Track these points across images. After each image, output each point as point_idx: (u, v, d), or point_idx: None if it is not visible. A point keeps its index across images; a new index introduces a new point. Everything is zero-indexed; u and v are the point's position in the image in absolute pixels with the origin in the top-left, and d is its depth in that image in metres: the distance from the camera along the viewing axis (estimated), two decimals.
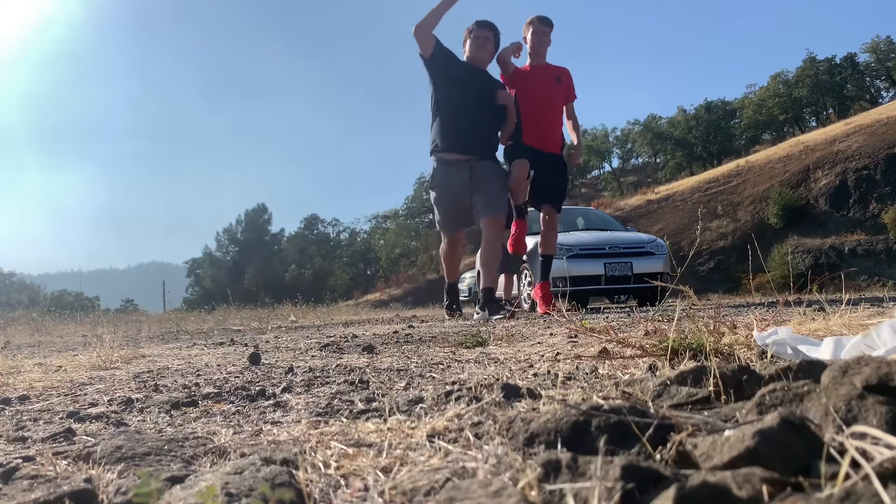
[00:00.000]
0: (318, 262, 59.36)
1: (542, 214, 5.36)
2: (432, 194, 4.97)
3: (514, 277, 8.11)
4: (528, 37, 5.36)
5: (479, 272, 10.92)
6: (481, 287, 4.90)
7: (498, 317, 4.47)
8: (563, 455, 0.55)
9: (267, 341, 3.18)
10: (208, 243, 65.73)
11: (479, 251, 4.96)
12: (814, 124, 50.02)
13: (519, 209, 5.28)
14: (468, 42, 5.01)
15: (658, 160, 60.80)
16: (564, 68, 5.45)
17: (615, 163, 66.53)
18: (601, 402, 0.74)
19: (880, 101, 48.05)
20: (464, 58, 5.02)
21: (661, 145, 58.91)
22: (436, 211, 4.97)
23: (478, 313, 4.69)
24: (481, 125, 4.86)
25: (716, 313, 1.55)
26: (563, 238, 8.21)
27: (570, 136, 5.53)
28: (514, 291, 8.04)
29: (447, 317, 5.06)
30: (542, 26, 5.36)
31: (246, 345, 2.95)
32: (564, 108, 5.43)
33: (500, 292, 8.12)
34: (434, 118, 4.86)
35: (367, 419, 0.98)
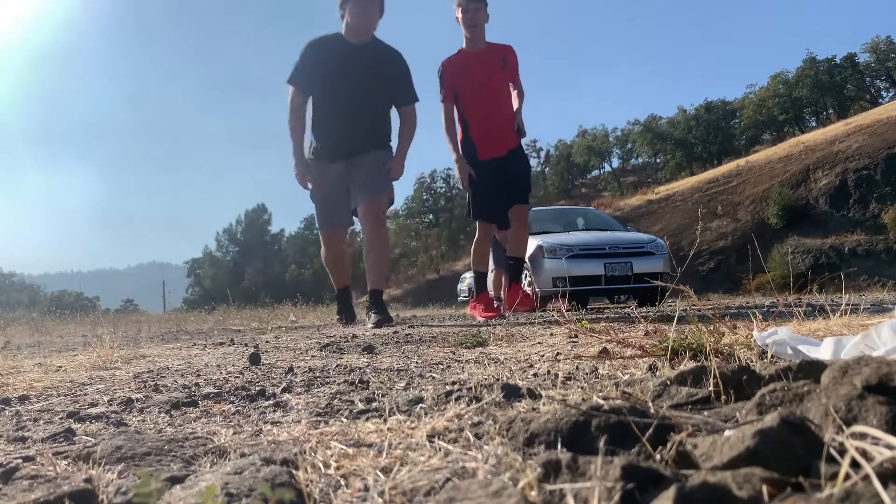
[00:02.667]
0: (319, 263, 59.26)
1: (511, 215, 4.81)
2: (309, 187, 4.28)
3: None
4: (459, 17, 4.60)
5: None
6: (368, 288, 4.27)
7: (385, 326, 3.83)
8: (563, 455, 0.55)
9: (267, 341, 3.18)
10: (208, 243, 65.79)
11: (364, 249, 4.29)
12: (814, 124, 50.05)
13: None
14: (348, 7, 4.10)
15: (658, 160, 60.81)
16: (508, 46, 4.74)
17: (615, 163, 66.58)
18: (601, 402, 0.74)
19: (880, 101, 48.06)
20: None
21: (661, 145, 58.94)
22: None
23: (368, 320, 4.07)
24: (361, 118, 4.12)
25: (715, 314, 1.55)
26: (564, 238, 8.22)
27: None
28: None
29: (341, 325, 4.51)
30: (473, 1, 4.53)
31: (246, 345, 2.95)
32: (513, 88, 4.75)
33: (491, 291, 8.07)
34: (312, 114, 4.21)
35: (367, 419, 0.98)
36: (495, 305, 4.97)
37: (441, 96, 4.67)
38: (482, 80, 4.57)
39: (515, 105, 4.72)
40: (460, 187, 5.08)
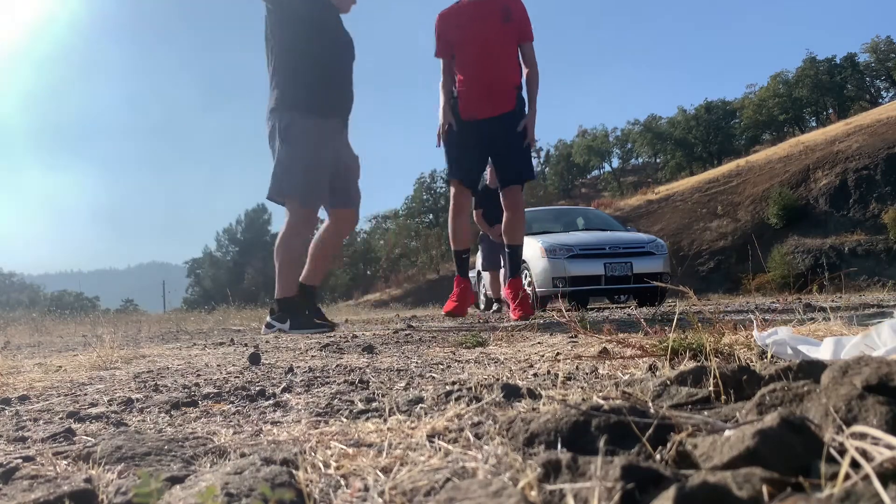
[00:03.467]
0: None
1: (502, 197, 4.28)
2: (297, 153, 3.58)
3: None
4: None
5: (477, 272, 10.82)
6: (277, 296, 3.71)
7: (308, 331, 3.52)
8: (563, 455, 0.55)
9: (267, 341, 3.18)
10: (208, 243, 65.80)
11: (313, 245, 3.84)
12: (814, 124, 50.06)
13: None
14: None
15: (658, 160, 60.83)
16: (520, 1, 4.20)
17: (615, 163, 66.58)
18: (601, 402, 0.74)
19: (880, 101, 48.08)
20: None
21: (661, 145, 58.96)
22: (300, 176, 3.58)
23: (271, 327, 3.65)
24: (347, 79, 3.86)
25: (715, 314, 1.55)
26: (563, 238, 8.21)
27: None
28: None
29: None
30: None
31: (246, 345, 2.95)
32: (519, 51, 4.20)
33: (488, 291, 7.97)
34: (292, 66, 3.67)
35: (367, 419, 0.98)
36: (457, 303, 4.37)
37: (435, 50, 4.28)
38: (475, 30, 4.10)
39: (527, 91, 4.21)
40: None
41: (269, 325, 3.67)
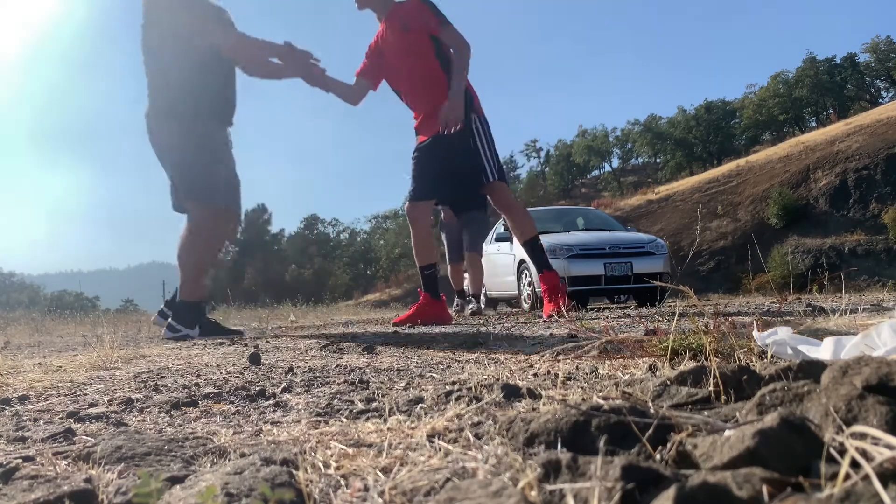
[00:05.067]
0: (318, 262, 59.44)
1: (490, 200, 4.15)
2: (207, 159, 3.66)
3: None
4: None
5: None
6: (177, 297, 3.64)
7: (217, 336, 3.44)
8: (563, 455, 0.55)
9: (267, 341, 3.18)
10: None
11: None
12: (814, 124, 50.09)
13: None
14: None
15: (658, 160, 60.86)
16: (407, 2, 3.91)
17: (615, 163, 66.63)
18: (601, 402, 0.74)
19: (880, 101, 48.10)
20: None
21: (661, 145, 58.99)
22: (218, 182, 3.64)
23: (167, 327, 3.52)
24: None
25: (715, 314, 1.55)
26: (563, 238, 8.22)
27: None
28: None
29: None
30: None
31: (246, 345, 2.95)
32: (433, 47, 3.85)
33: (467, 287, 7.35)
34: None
35: (367, 419, 0.98)
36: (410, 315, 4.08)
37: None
38: (388, 51, 3.93)
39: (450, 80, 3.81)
40: None
41: (172, 329, 3.54)
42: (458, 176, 3.98)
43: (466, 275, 7.00)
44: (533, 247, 4.11)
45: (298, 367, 1.83)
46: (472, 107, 3.93)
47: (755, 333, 1.33)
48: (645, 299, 7.93)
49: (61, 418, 1.15)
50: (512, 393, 1.03)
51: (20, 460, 0.79)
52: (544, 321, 3.59)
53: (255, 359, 2.02)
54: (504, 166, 4.24)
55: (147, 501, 0.56)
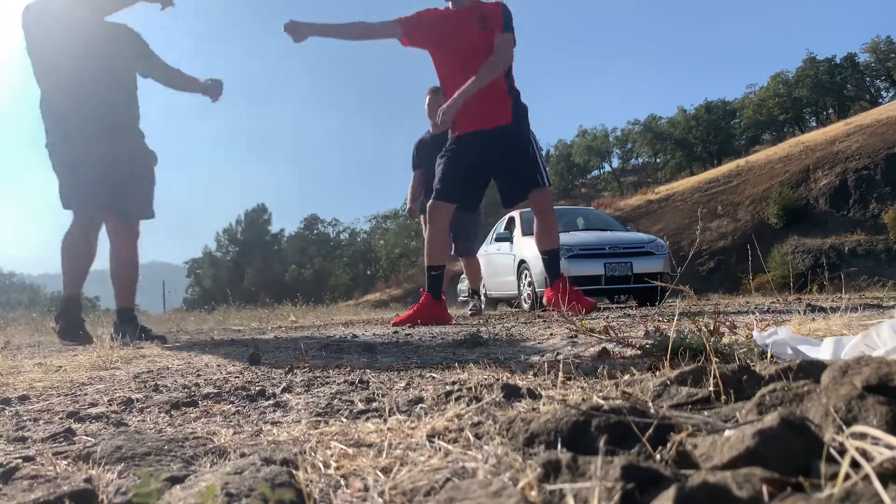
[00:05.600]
0: (318, 262, 59.45)
1: (530, 203, 4.22)
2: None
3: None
4: None
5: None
6: (116, 307, 3.68)
7: (137, 340, 3.39)
8: (563, 455, 0.55)
9: (267, 341, 3.18)
10: (208, 243, 65.81)
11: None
12: (814, 124, 50.10)
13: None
14: None
15: (658, 160, 60.84)
16: (494, 2, 4.03)
17: (615, 163, 66.61)
18: (601, 402, 0.74)
19: (880, 101, 48.10)
20: None
21: (661, 145, 58.98)
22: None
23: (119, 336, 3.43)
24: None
25: (715, 314, 1.55)
26: (564, 238, 8.19)
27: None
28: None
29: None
30: None
31: (246, 345, 2.95)
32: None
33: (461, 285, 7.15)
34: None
35: (367, 419, 0.98)
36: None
37: (405, 38, 4.10)
38: (455, 41, 3.98)
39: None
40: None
41: (121, 333, 3.53)
42: (506, 176, 4.09)
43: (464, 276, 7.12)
44: (552, 257, 4.29)
45: (298, 367, 1.83)
46: (526, 117, 4.13)
47: (755, 333, 1.33)
48: (645, 299, 7.93)
49: (61, 418, 1.15)
50: (512, 393, 1.03)
51: (20, 460, 0.79)
52: (544, 321, 3.59)
53: (255, 359, 2.02)
54: None
55: (147, 501, 0.56)
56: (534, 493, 0.52)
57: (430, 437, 0.79)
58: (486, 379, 1.29)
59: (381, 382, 1.42)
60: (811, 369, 0.80)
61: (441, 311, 4.12)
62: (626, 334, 1.87)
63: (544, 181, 4.10)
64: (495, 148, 3.99)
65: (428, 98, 5.71)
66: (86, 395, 1.46)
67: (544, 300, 4.41)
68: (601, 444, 0.57)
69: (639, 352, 1.48)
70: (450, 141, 4.15)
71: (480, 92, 3.86)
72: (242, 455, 0.78)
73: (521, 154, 4.03)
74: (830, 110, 49.78)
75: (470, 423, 0.83)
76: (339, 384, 1.43)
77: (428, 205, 4.17)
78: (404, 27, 4.04)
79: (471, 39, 3.93)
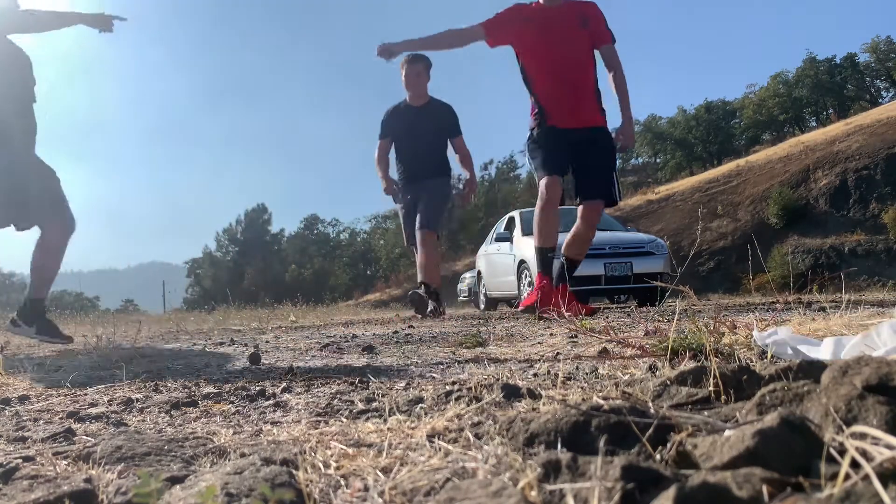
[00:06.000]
0: (318, 262, 59.47)
1: (582, 209, 4.24)
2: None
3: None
4: None
5: (478, 271, 10.64)
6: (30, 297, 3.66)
7: (46, 338, 3.42)
8: (563, 455, 0.55)
9: (267, 341, 3.18)
10: (208, 243, 65.86)
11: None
12: (814, 124, 50.08)
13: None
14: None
15: (658, 160, 60.81)
16: (590, 2, 4.13)
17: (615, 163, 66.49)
18: (601, 402, 0.74)
19: (880, 101, 48.09)
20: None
21: (661, 145, 58.92)
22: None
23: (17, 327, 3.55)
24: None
25: (715, 314, 1.55)
26: (563, 238, 8.20)
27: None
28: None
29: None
30: None
31: (246, 345, 2.95)
32: (600, 54, 4.10)
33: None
34: None
35: (367, 419, 0.98)
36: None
37: (490, 38, 4.18)
38: (554, 35, 4.02)
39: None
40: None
41: (14, 323, 3.62)
42: (588, 175, 4.12)
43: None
44: (572, 265, 4.42)
45: (298, 367, 1.83)
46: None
47: (755, 333, 1.34)
48: (645, 299, 7.93)
49: (61, 418, 1.15)
50: (512, 393, 1.03)
51: (20, 460, 0.79)
52: (544, 321, 3.59)
53: (255, 359, 2.02)
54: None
55: (147, 501, 0.56)
56: (534, 493, 0.52)
57: (430, 437, 0.79)
58: (486, 379, 1.29)
59: (381, 382, 1.42)
60: (811, 369, 0.80)
61: (561, 298, 3.97)
62: (626, 334, 1.87)
63: (617, 198, 4.20)
64: (583, 148, 4.03)
65: (405, 69, 5.37)
66: (86, 395, 1.46)
67: (531, 293, 4.40)
68: (601, 444, 0.57)
69: (639, 352, 1.48)
70: (544, 131, 4.11)
71: (588, 91, 4.05)
72: (242, 455, 0.78)
73: (608, 163, 4.16)
74: (830, 110, 49.78)
75: (470, 423, 0.83)
76: (339, 384, 1.43)
77: (542, 182, 4.14)
78: (488, 30, 4.14)
79: (571, 36, 4.01)
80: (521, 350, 2.01)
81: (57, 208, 3.68)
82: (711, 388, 0.84)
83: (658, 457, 0.59)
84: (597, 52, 4.12)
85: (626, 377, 1.21)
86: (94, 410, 1.22)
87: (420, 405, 1.05)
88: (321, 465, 0.71)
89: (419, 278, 5.39)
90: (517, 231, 8.95)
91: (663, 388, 0.88)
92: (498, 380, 1.25)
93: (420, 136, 5.40)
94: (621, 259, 7.69)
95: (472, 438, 0.76)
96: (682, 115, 57.59)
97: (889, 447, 0.47)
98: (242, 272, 57.05)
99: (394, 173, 5.65)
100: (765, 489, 0.45)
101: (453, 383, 1.29)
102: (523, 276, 8.20)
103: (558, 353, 1.77)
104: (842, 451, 0.51)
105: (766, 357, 1.23)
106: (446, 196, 5.60)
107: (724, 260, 26.54)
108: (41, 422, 1.13)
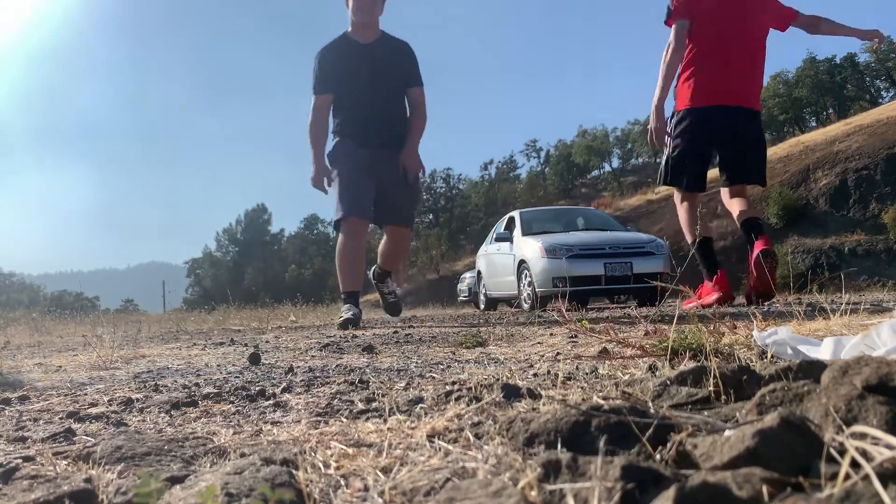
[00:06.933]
0: (318, 262, 59.45)
1: (730, 191, 4.35)
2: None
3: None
4: None
5: (478, 271, 10.66)
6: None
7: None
8: (563, 455, 0.55)
9: (267, 341, 3.18)
10: (208, 243, 65.90)
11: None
12: (814, 124, 50.09)
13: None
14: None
15: (658, 160, 60.88)
16: None
17: (615, 163, 66.60)
18: (601, 402, 0.74)
19: (880, 101, 48.09)
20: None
21: None
22: None
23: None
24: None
25: (715, 314, 1.55)
26: (564, 238, 8.21)
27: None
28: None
29: None
30: None
31: (246, 345, 2.95)
32: (785, 25, 4.06)
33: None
34: None
35: (367, 419, 0.98)
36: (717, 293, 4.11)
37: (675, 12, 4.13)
38: (737, 11, 3.96)
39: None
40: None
41: None
42: (739, 158, 4.15)
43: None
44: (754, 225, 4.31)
45: (298, 367, 1.83)
46: None
47: (755, 333, 1.34)
48: (645, 299, 7.93)
49: (61, 418, 1.15)
50: (512, 393, 1.03)
51: (20, 460, 0.79)
52: (544, 321, 3.59)
53: (255, 359, 2.02)
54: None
55: (147, 501, 0.56)
56: (534, 493, 0.52)
57: (430, 437, 0.79)
58: (486, 379, 1.29)
59: (381, 382, 1.42)
60: (811, 369, 0.80)
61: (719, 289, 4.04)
62: (626, 334, 1.87)
63: (764, 181, 4.34)
64: (742, 128, 4.00)
65: None
66: (86, 395, 1.46)
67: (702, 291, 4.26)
68: (601, 444, 0.57)
69: (639, 352, 1.48)
70: (694, 113, 4.05)
71: (756, 72, 4.01)
72: (242, 455, 0.78)
73: (761, 143, 4.18)
74: (830, 110, 49.79)
75: (470, 423, 0.83)
76: (339, 384, 1.43)
77: (683, 188, 4.25)
78: (686, 17, 4.06)
79: (755, 24, 3.99)
80: (521, 350, 2.01)
81: None
82: (711, 388, 0.84)
83: (658, 457, 0.59)
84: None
85: (626, 377, 1.21)
86: (94, 410, 1.22)
87: (420, 405, 1.05)
88: (321, 465, 0.71)
89: (383, 265, 4.85)
90: (517, 231, 8.95)
91: (663, 388, 0.88)
92: (498, 380, 1.25)
93: (374, 86, 3.98)
94: (621, 259, 7.69)
95: (472, 438, 0.76)
96: None
97: (889, 447, 0.47)
98: (242, 272, 57.06)
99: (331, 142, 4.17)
100: (765, 489, 0.45)
101: (453, 383, 1.29)
102: (523, 275, 8.20)
103: (558, 353, 1.78)
104: (842, 451, 0.51)
105: (766, 357, 1.23)
106: (417, 176, 4.27)
107: (724, 260, 26.46)
108: (41, 422, 1.13)
